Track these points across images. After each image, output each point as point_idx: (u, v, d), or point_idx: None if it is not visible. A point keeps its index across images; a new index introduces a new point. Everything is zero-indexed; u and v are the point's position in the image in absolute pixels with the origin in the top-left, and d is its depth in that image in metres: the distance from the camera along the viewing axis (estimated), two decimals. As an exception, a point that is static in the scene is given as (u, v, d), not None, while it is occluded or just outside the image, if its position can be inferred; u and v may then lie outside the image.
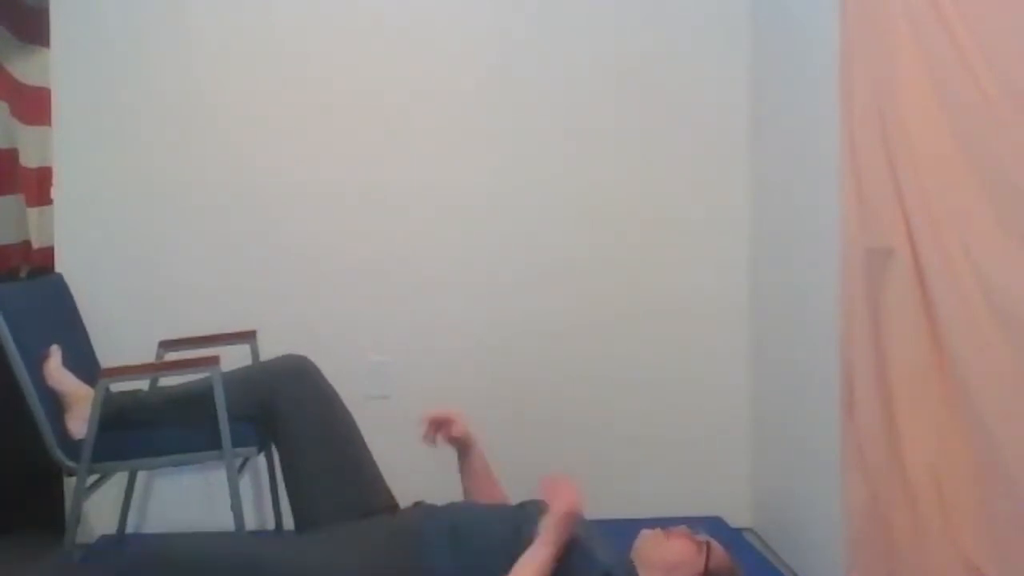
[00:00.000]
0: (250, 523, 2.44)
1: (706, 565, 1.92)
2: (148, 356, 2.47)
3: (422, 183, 2.80)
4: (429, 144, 2.80)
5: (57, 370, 2.17)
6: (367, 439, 2.16)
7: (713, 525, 2.65)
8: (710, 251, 2.89)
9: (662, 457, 2.86)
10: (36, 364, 2.09)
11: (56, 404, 2.15)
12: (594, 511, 2.02)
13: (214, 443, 2.08)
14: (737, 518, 2.85)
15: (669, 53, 2.86)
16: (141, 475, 2.64)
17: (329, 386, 2.19)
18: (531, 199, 2.83)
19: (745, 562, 2.49)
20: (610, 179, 2.85)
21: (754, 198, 2.86)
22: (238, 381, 2.18)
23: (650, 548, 1.96)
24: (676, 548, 1.95)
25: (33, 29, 3.05)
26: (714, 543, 1.99)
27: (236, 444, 2.09)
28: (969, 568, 1.77)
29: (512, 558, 1.76)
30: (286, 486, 2.09)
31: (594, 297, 2.86)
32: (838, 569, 2.13)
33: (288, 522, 2.51)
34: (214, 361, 2.09)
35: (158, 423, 2.16)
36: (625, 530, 2.07)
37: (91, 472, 2.09)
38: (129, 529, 2.59)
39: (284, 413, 2.10)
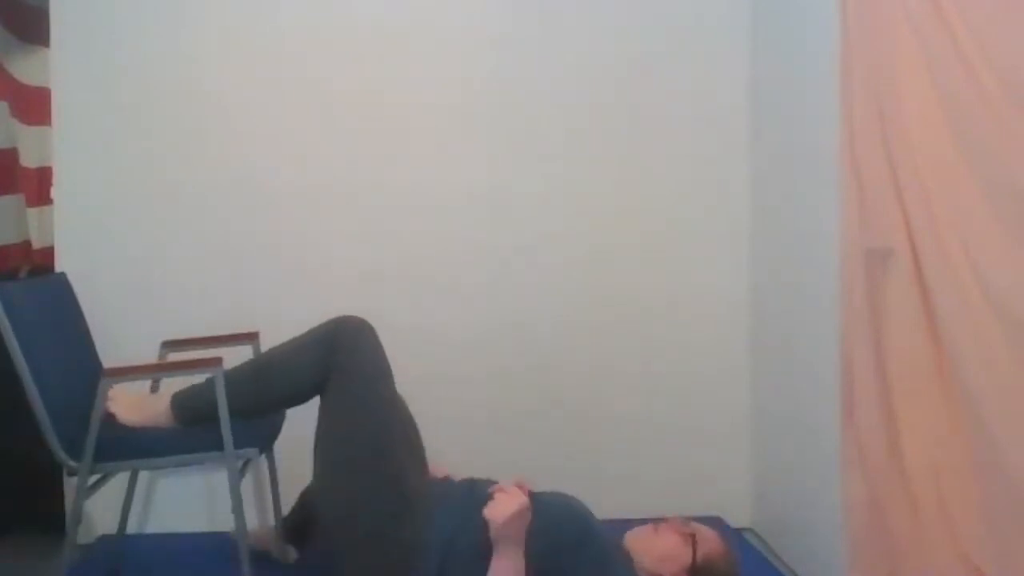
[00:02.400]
0: (252, 525, 2.44)
1: (693, 557, 1.97)
2: (148, 357, 2.47)
3: (423, 184, 2.80)
4: (430, 145, 2.80)
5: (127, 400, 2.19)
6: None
7: (713, 525, 2.65)
8: (710, 251, 2.89)
9: (662, 457, 2.87)
10: (39, 362, 2.08)
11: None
12: (593, 511, 2.03)
13: (216, 444, 2.07)
14: (737, 518, 2.85)
15: (669, 53, 2.86)
16: (142, 475, 2.64)
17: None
18: (531, 199, 2.83)
19: (745, 562, 2.50)
20: (610, 179, 2.85)
21: (754, 198, 2.86)
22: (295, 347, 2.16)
23: (641, 541, 2.02)
24: (664, 542, 2.00)
25: (33, 29, 3.05)
26: (704, 534, 2.03)
27: (238, 445, 2.08)
28: (969, 568, 1.78)
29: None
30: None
31: (593, 297, 2.86)
32: (838, 569, 2.13)
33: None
34: (217, 362, 2.08)
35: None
36: (624, 530, 2.08)
37: (93, 472, 2.08)
38: (130, 529, 2.59)
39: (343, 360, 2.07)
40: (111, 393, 2.11)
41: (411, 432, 2.22)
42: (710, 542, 2.02)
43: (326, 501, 2.05)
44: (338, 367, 2.06)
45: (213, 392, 2.06)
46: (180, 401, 2.15)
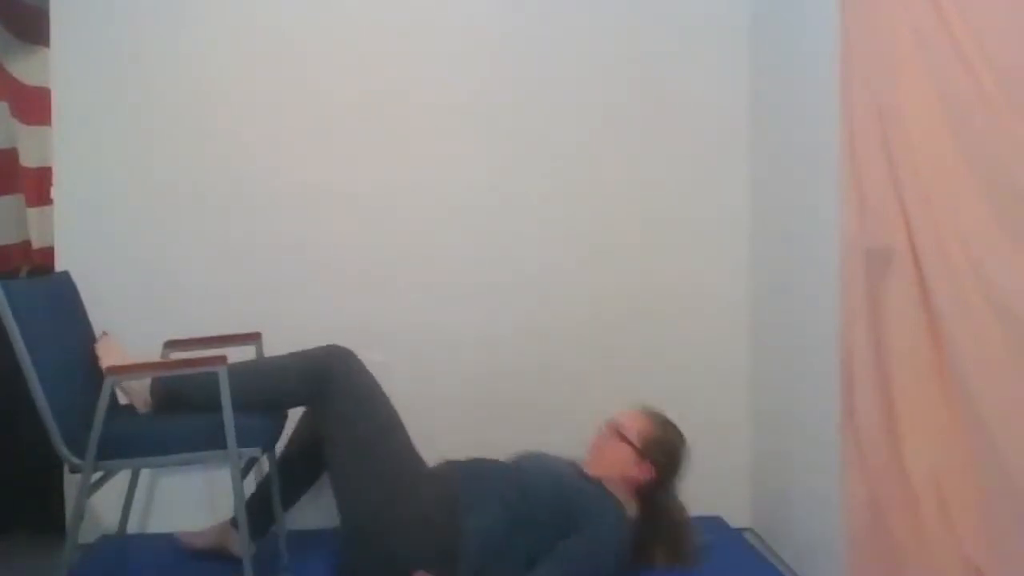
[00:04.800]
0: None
1: (632, 445, 2.22)
2: (150, 357, 2.47)
3: (424, 184, 2.80)
4: (431, 145, 2.80)
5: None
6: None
7: (713, 525, 2.66)
8: (710, 250, 2.89)
9: (662, 457, 2.86)
10: (43, 360, 2.08)
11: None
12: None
13: (220, 442, 2.07)
14: (737, 518, 2.85)
15: (669, 53, 2.86)
16: (143, 475, 2.64)
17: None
18: (532, 199, 2.84)
19: (745, 562, 2.51)
20: (611, 179, 2.86)
21: (754, 198, 2.86)
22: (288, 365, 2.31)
23: (594, 464, 2.26)
24: (605, 451, 2.25)
25: (33, 29, 3.04)
26: (624, 421, 2.28)
27: (242, 444, 2.09)
28: (969, 568, 1.78)
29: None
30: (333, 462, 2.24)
31: (594, 297, 2.86)
32: (838, 569, 2.13)
33: (290, 523, 2.52)
34: (222, 360, 2.08)
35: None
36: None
37: (96, 469, 2.08)
38: (131, 529, 2.59)
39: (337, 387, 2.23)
40: (101, 344, 2.25)
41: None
42: (633, 423, 2.23)
43: (353, 510, 2.19)
44: (330, 388, 2.23)
45: (195, 384, 2.14)
46: (162, 381, 2.23)
